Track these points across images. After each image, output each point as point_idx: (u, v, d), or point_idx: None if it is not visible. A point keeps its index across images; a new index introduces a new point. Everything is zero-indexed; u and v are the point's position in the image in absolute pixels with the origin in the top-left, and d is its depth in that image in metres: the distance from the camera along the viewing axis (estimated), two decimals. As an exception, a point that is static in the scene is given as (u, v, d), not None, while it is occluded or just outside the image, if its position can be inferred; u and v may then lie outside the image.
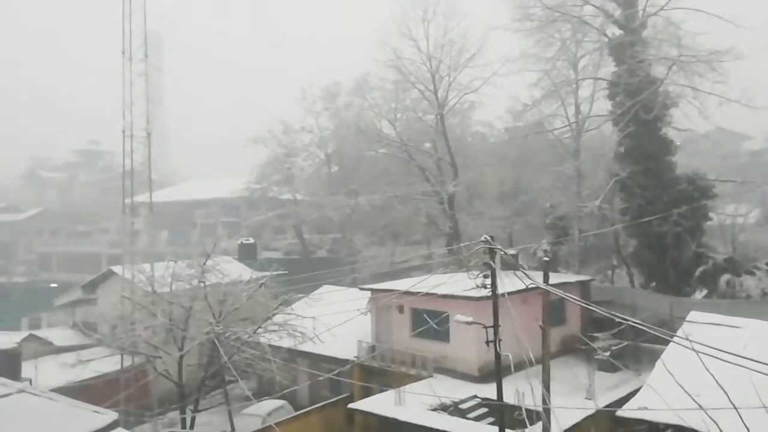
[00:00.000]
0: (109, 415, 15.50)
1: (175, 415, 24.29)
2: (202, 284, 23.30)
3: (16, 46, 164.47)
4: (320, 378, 22.18)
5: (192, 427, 22.30)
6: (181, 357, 22.78)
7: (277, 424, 18.88)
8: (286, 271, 31.06)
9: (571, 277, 28.13)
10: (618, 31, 30.02)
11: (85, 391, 21.25)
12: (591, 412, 16.66)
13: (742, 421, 6.66)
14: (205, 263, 23.87)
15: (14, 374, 20.95)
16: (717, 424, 6.65)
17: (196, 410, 22.94)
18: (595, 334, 23.16)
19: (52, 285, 51.88)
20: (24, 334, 29.99)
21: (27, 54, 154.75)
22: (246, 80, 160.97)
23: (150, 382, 24.70)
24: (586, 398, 18.54)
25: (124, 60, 27.48)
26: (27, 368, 23.13)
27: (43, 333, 31.35)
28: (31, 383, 21.48)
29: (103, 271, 34.99)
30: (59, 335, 31.26)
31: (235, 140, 54.84)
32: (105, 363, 24.92)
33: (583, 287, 27.29)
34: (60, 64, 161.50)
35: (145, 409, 24.18)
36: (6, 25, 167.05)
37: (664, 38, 29.48)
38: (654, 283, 29.12)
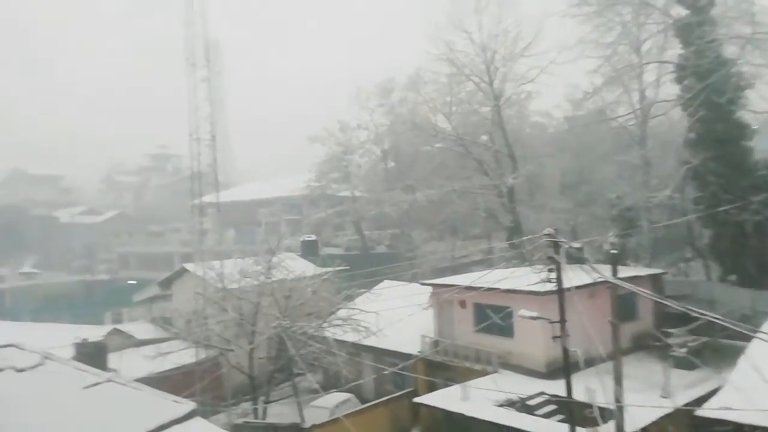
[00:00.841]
0: (188, 405, 16.35)
1: (247, 405, 25.35)
2: (269, 280, 24.12)
3: (92, 54, 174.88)
4: (385, 372, 22.52)
5: (264, 417, 23.18)
6: (252, 350, 23.67)
7: (345, 416, 19.34)
8: (348, 267, 31.69)
9: (642, 271, 27.09)
10: (684, 11, 28.46)
11: (164, 382, 22.45)
12: (668, 410, 16.02)
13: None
14: (270, 260, 24.68)
15: (102, 365, 22.46)
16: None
17: (267, 401, 23.83)
18: (670, 330, 22.21)
19: (131, 282, 55.15)
20: (108, 328, 32.07)
21: (100, 61, 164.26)
22: (302, 80, 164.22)
23: (223, 374, 25.87)
24: (662, 396, 17.84)
25: (187, 67, 28.79)
26: (112, 360, 24.72)
27: (124, 327, 33.33)
28: (117, 373, 23.01)
29: (175, 269, 36.80)
30: (139, 329, 33.13)
31: (293, 140, 56.30)
32: (182, 355, 26.26)
33: (655, 281, 26.22)
34: (126, 70, 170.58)
35: (220, 399, 25.35)
36: (82, 33, 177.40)
37: (736, 15, 27.75)
38: (733, 276, 27.57)
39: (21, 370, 12.09)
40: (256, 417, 23.27)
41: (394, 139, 49.32)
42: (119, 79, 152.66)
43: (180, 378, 24.26)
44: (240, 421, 21.90)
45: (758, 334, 13.54)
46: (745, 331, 11.81)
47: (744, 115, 27.38)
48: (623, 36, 32.56)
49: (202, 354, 25.97)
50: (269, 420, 22.60)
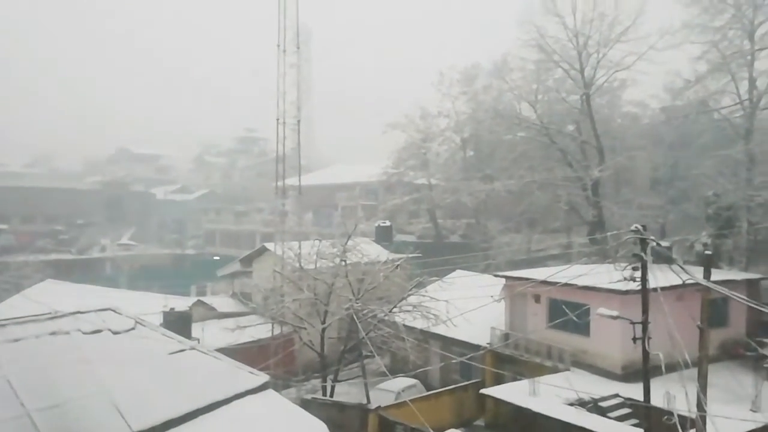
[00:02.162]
0: (262, 377, 17.11)
1: (317, 382, 26.18)
2: (344, 263, 24.62)
3: (181, 40, 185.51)
4: (453, 361, 22.40)
5: (332, 395, 23.83)
6: (324, 329, 24.34)
7: (410, 400, 19.48)
8: (420, 254, 31.70)
9: (737, 275, 24.98)
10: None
11: (241, 353, 23.63)
12: (758, 425, 14.78)
13: None
14: (346, 243, 25.15)
15: (186, 333, 24.00)
16: None
17: (335, 380, 24.47)
18: (765, 340, 20.40)
19: (215, 258, 58.49)
20: (193, 299, 34.11)
21: (191, 48, 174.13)
22: (388, 67, 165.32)
23: (296, 350, 26.83)
24: (752, 410, 16.47)
25: (279, 53, 29.65)
26: (195, 329, 26.36)
27: (208, 299, 35.37)
28: (199, 342, 24.53)
29: (257, 247, 38.44)
30: (221, 302, 35.03)
31: (375, 126, 56.77)
32: (259, 330, 27.53)
33: (751, 286, 24.10)
34: (218, 56, 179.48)
35: (291, 374, 26.36)
36: (174, 19, 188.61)
37: None
38: None
39: (116, 333, 13.16)
40: (324, 394, 23.98)
41: (475, 127, 48.40)
42: (215, 65, 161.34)
43: (256, 351, 25.45)
44: (309, 396, 22.65)
45: None
46: None
47: None
48: (735, 19, 29.89)
49: (277, 330, 27.05)
50: (336, 398, 23.21)
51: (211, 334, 26.56)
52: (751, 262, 29.40)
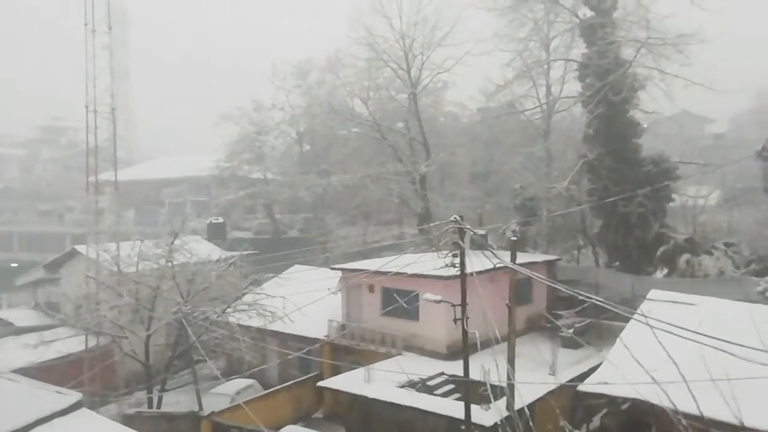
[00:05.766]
0: (73, 396, 15.25)
1: (142, 395, 24.10)
2: (170, 264, 23.00)
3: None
4: (289, 357, 22.24)
5: (159, 406, 22.17)
6: (148, 337, 22.58)
7: (245, 402, 18.88)
8: (257, 251, 30.83)
9: (538, 257, 28.65)
10: (589, 12, 30.16)
11: (48, 372, 20.88)
12: (553, 387, 17.11)
13: (691, 393, 6.95)
14: (172, 242, 23.55)
15: (-28, 356, 20.45)
16: (668, 396, 6.93)
17: (163, 390, 22.80)
18: (560, 312, 23.72)
19: (13, 264, 50.48)
20: (-19, 314, 29.14)
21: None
22: (216, 57, 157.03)
23: (116, 362, 24.39)
24: (549, 374, 19.01)
25: (87, 32, 26.56)
26: (-15, 350, 22.54)
27: (3, 313, 30.53)
28: (-12, 365, 21.00)
29: (67, 250, 34.18)
30: (20, 315, 30.54)
31: (204, 118, 53.70)
32: (69, 343, 24.50)
33: (549, 266, 27.84)
34: (17, 35, 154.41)
35: (111, 389, 23.93)
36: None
37: (634, 20, 29.76)
38: (617, 263, 29.88)
39: None
40: (150, 406, 22.19)
41: (310, 121, 48.41)
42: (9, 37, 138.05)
43: (66, 367, 22.71)
44: (132, 411, 20.73)
45: (634, 316, 14.71)
46: (624, 313, 12.75)
47: (636, 114, 29.57)
48: (534, 32, 34.02)
49: (93, 342, 24.33)
50: (165, 409, 21.61)
51: (8, 353, 22.97)
52: (550, 245, 33.98)
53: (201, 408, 19.88)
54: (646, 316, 10.82)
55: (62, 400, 14.67)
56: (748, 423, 7.38)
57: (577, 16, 31.06)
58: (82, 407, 15.01)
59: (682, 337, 9.25)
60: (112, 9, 27.64)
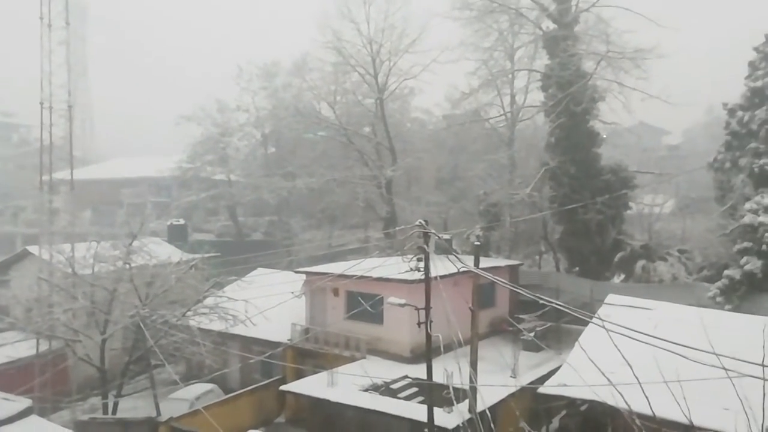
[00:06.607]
0: (22, 402, 14.71)
1: (96, 400, 23.29)
2: (128, 266, 22.35)
3: None
4: (251, 361, 21.93)
5: (115, 412, 21.44)
6: (104, 341, 21.85)
7: (205, 408, 18.48)
8: (219, 254, 30.26)
9: (501, 262, 29.13)
10: (552, 25, 31.02)
11: (-5, 378, 19.96)
12: (514, 389, 17.40)
13: (644, 394, 7.20)
14: (130, 244, 22.89)
15: None
16: (623, 398, 7.17)
17: (119, 395, 22.08)
18: (522, 316, 24.17)
19: (-42, 266, 47.94)
20: None
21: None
22: (181, 57, 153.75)
23: (69, 367, 23.50)
24: (511, 376, 19.33)
25: (42, 26, 25.62)
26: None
27: (-54, 317, 28.89)
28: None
29: (17, 251, 32.79)
30: (-35, 320, 28.94)
31: (166, 118, 52.52)
32: (18, 348, 23.48)
33: (512, 271, 28.34)
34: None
35: (64, 395, 22.99)
36: None
37: (595, 34, 30.82)
38: (577, 268, 30.70)
39: None
40: (105, 412, 21.46)
41: (275, 124, 47.96)
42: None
43: (15, 373, 21.75)
44: (86, 417, 19.99)
45: (593, 320, 15.11)
46: (583, 317, 13.08)
47: (595, 125, 30.52)
48: (499, 42, 34.77)
49: (45, 346, 23.35)
50: (121, 415, 20.91)
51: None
52: (513, 251, 34.63)
53: (159, 413, 19.36)
54: (603, 320, 11.13)
55: (10, 407, 14.11)
56: (697, 422, 7.68)
57: (540, 28, 31.87)
58: (32, 414, 14.46)
59: (637, 340, 9.56)
60: (70, 4, 26.80)
